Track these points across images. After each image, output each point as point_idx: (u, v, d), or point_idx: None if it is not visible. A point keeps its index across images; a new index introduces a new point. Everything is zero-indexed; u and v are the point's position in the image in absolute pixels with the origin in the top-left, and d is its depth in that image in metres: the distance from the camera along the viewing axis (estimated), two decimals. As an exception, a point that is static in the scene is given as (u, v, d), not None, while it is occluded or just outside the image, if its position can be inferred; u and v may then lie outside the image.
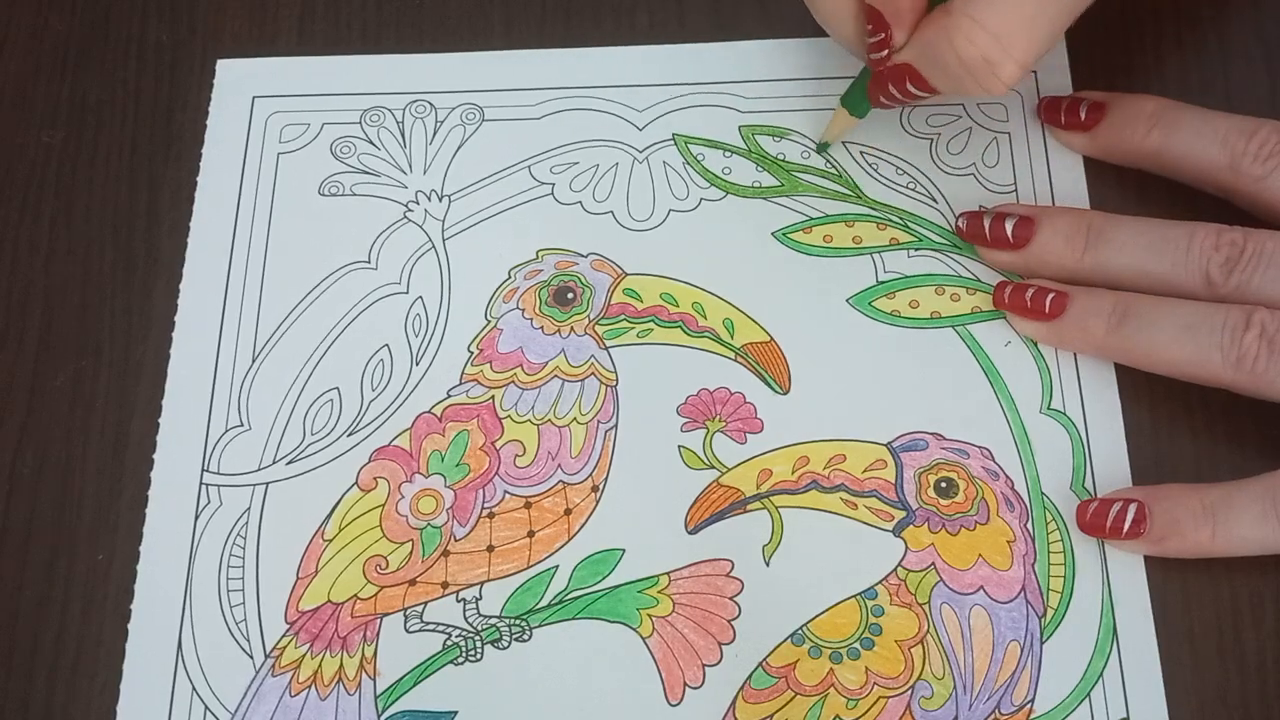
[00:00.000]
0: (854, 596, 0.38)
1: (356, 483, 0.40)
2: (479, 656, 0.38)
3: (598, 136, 0.45)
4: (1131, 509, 0.37)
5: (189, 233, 0.43)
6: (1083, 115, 0.42)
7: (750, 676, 0.37)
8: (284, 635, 0.38)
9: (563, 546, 0.39)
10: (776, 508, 0.39)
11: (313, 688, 0.38)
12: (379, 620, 0.38)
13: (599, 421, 0.40)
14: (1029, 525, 0.39)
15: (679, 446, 0.40)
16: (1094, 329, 0.39)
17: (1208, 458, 0.39)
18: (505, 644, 0.38)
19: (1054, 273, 0.40)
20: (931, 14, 0.37)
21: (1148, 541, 0.37)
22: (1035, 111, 0.44)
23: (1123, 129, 0.41)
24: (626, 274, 0.43)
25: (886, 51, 0.38)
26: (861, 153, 0.44)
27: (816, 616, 0.38)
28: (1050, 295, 0.40)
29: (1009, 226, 0.41)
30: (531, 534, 0.39)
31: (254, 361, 0.42)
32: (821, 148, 0.44)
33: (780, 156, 0.44)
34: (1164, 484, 0.38)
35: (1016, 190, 0.43)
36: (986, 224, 0.41)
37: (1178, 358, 0.37)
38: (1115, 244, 0.39)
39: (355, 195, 0.44)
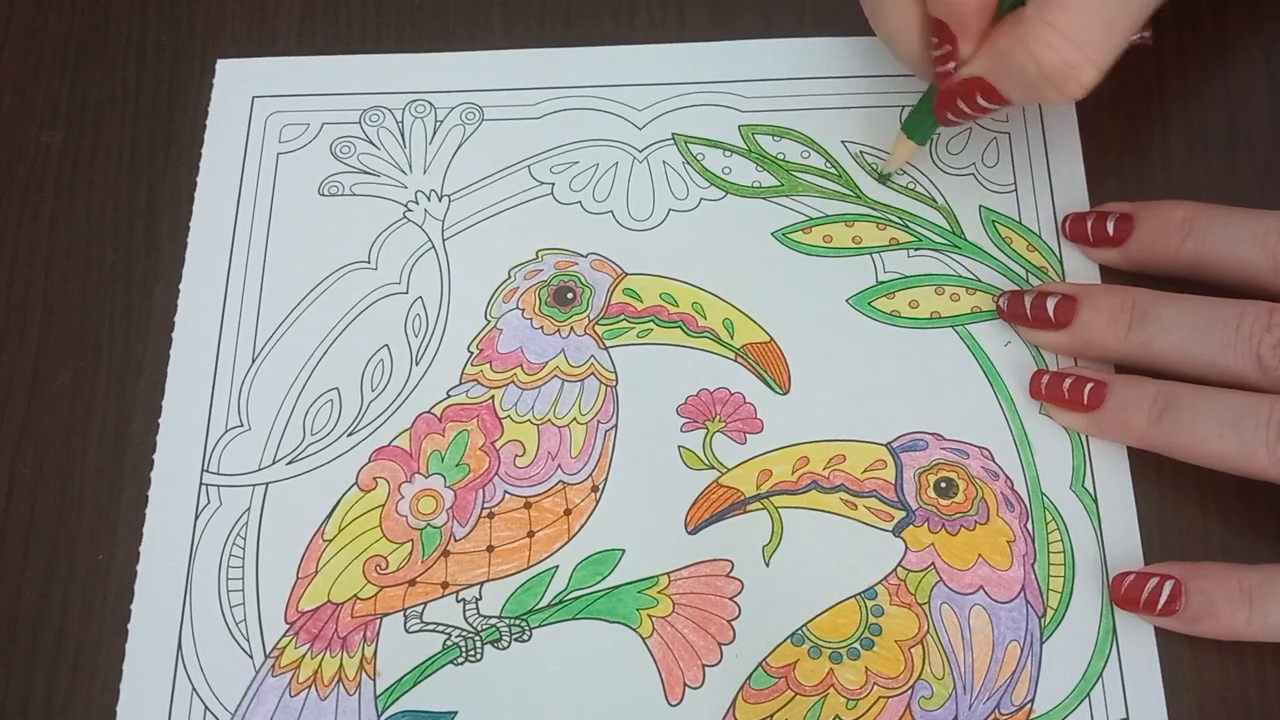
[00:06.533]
0: (854, 596, 0.38)
1: (356, 483, 0.40)
2: (479, 656, 0.38)
3: (597, 136, 0.45)
4: (1168, 586, 0.36)
5: (189, 233, 0.43)
6: (1111, 230, 0.40)
7: (750, 676, 0.37)
8: (284, 635, 0.38)
9: (563, 546, 0.39)
10: (776, 508, 0.39)
11: (313, 688, 0.38)
12: (379, 620, 0.38)
13: (599, 421, 0.40)
14: (1029, 525, 0.39)
15: (679, 447, 0.40)
16: (1135, 421, 0.37)
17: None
18: (505, 644, 0.38)
19: (1099, 353, 0.39)
20: (1000, 24, 0.37)
21: (1181, 620, 0.36)
22: (1061, 228, 0.42)
23: (1155, 241, 0.39)
24: (626, 274, 0.42)
25: (954, 64, 0.37)
26: (861, 152, 0.44)
27: (816, 616, 0.38)
28: (1089, 385, 0.38)
29: (1050, 306, 0.39)
30: (531, 534, 0.39)
31: (254, 361, 0.42)
32: (882, 178, 0.43)
33: (780, 156, 0.44)
34: (1202, 562, 0.37)
35: (1016, 190, 0.43)
36: (1028, 303, 0.40)
37: (1221, 453, 0.36)
38: (1160, 323, 0.37)
39: (355, 195, 0.44)
